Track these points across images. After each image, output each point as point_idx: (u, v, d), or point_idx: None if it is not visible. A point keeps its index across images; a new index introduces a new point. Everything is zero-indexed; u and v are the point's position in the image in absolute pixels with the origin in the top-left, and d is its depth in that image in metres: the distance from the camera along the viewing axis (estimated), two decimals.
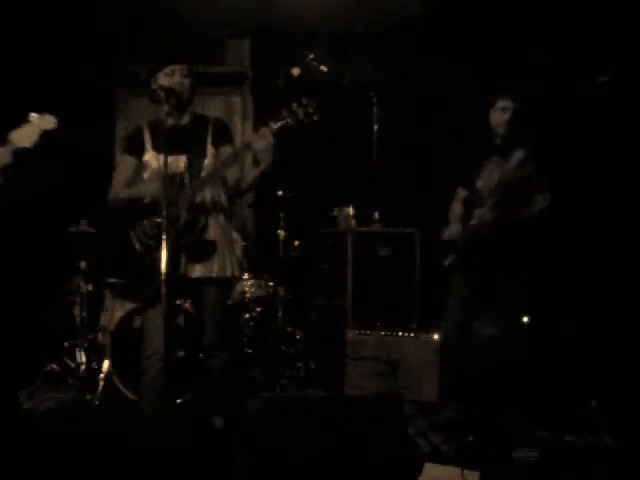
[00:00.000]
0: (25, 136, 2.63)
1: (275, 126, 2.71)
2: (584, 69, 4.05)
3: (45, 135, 2.66)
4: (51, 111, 2.76)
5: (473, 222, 3.42)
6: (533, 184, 3.37)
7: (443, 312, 3.64)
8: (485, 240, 3.37)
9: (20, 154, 2.65)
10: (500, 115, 3.44)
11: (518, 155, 3.34)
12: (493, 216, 3.35)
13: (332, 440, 2.46)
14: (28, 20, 4.56)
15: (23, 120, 2.62)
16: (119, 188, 2.92)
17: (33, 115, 2.64)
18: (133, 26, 5.03)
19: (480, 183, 3.48)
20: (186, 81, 2.84)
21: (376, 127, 4.68)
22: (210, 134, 2.90)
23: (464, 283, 3.47)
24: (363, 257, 4.43)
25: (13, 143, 2.62)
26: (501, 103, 3.44)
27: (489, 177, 3.45)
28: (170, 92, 2.75)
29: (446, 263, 3.51)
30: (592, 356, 3.64)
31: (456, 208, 3.63)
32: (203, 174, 2.80)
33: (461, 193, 3.64)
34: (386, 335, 3.98)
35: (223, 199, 2.95)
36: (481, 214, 3.38)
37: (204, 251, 2.83)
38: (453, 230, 3.56)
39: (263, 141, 2.70)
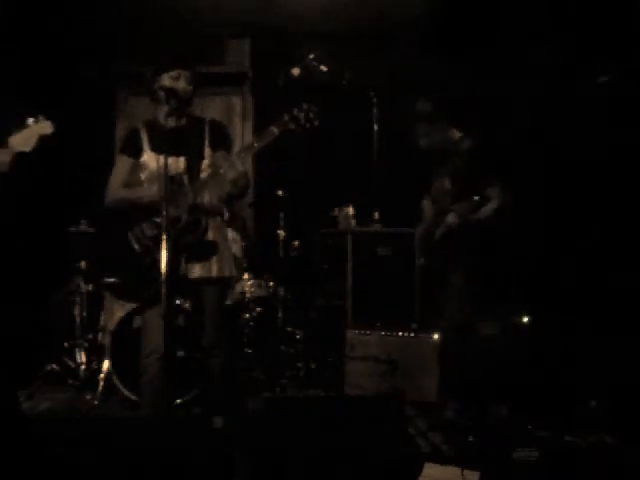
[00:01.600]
0: (24, 141, 2.68)
1: (277, 130, 2.72)
2: (583, 69, 4.05)
3: (42, 139, 2.71)
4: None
5: (441, 229, 3.54)
6: (481, 176, 3.41)
7: (443, 312, 3.64)
8: (450, 243, 3.45)
9: (19, 158, 2.70)
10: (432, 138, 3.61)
11: (466, 144, 3.41)
12: (459, 221, 3.42)
13: (332, 440, 2.46)
14: (28, 20, 4.56)
15: (21, 125, 2.68)
16: (116, 189, 2.92)
17: (31, 120, 2.69)
18: (133, 26, 5.04)
19: (436, 191, 3.66)
20: (189, 87, 2.87)
21: (376, 127, 4.68)
22: (207, 136, 2.91)
23: (460, 282, 3.49)
24: (363, 257, 4.43)
25: (12, 147, 2.68)
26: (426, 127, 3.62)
27: (442, 184, 3.60)
28: (171, 93, 2.76)
29: (419, 262, 3.77)
30: (592, 356, 3.64)
31: (427, 208, 3.81)
32: (202, 176, 2.81)
33: (427, 197, 3.82)
34: (386, 335, 3.98)
35: (222, 200, 2.95)
36: (449, 222, 3.49)
37: (204, 252, 2.84)
38: (420, 231, 3.78)
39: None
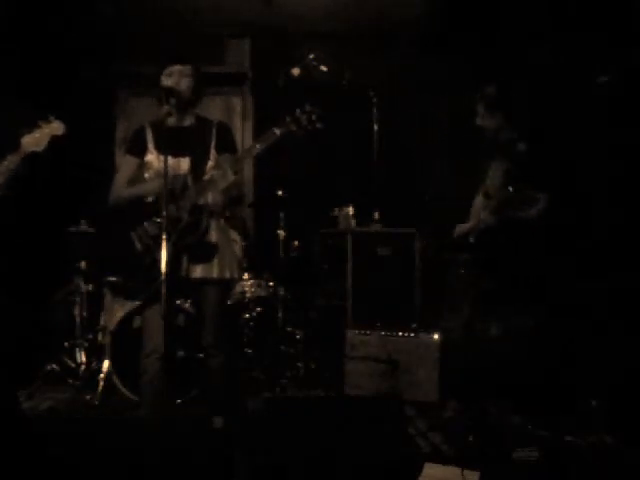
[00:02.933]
0: (35, 141, 2.76)
1: (279, 132, 2.72)
2: (584, 69, 4.05)
3: (54, 140, 2.77)
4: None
5: (480, 225, 3.43)
6: (533, 181, 3.37)
7: (443, 312, 3.64)
8: (489, 241, 3.39)
9: (30, 158, 2.78)
10: (486, 120, 3.47)
11: (521, 147, 3.37)
12: (496, 218, 3.35)
13: (332, 440, 2.46)
14: (28, 20, 4.56)
15: (33, 126, 2.73)
16: (121, 188, 2.92)
17: (42, 121, 2.75)
18: (133, 26, 5.04)
19: (488, 182, 3.50)
20: (184, 81, 2.84)
21: (376, 127, 4.68)
22: (214, 138, 2.90)
23: (468, 283, 3.47)
24: (363, 257, 4.43)
25: (24, 148, 2.75)
26: (483, 109, 3.46)
27: (494, 177, 3.47)
28: (169, 92, 2.76)
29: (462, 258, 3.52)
30: (592, 356, 3.64)
31: (477, 203, 3.61)
32: (206, 177, 2.81)
33: (483, 187, 3.61)
34: (386, 335, 3.99)
35: (223, 201, 2.95)
36: (484, 218, 3.39)
37: (205, 252, 2.84)
38: (462, 228, 3.56)
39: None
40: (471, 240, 3.47)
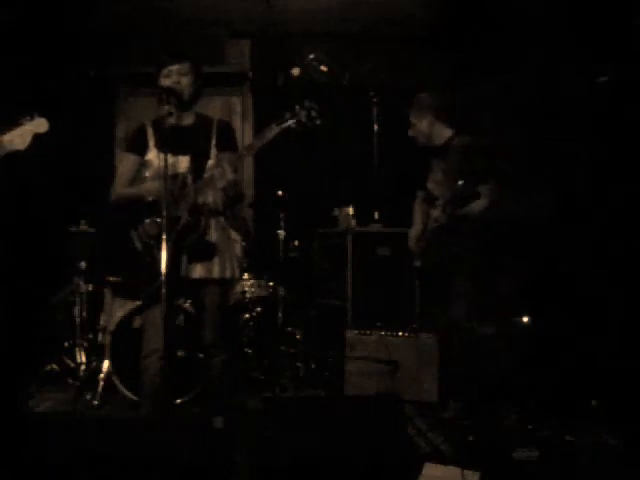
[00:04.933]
0: (17, 139, 2.64)
1: (278, 128, 2.71)
2: (584, 69, 4.05)
3: (37, 138, 2.68)
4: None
5: (429, 225, 3.52)
6: (474, 173, 3.37)
7: (443, 312, 3.64)
8: (445, 241, 3.42)
9: (12, 156, 2.68)
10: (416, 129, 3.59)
11: (455, 144, 3.42)
12: (445, 216, 3.39)
13: (332, 440, 2.46)
14: (28, 20, 4.56)
15: (15, 123, 2.66)
16: (121, 186, 2.92)
17: (25, 118, 2.67)
18: (133, 26, 5.04)
19: (430, 184, 3.59)
20: (184, 79, 2.83)
21: (376, 127, 4.68)
22: (215, 136, 2.90)
23: (458, 282, 3.48)
24: (363, 257, 4.43)
25: (5, 146, 2.64)
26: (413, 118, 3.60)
27: (435, 177, 3.55)
28: (170, 92, 2.75)
29: (416, 264, 3.67)
30: (592, 356, 3.64)
31: (416, 209, 3.74)
32: (205, 176, 2.80)
33: (420, 194, 3.74)
34: (386, 335, 3.99)
35: (223, 201, 2.95)
36: (435, 216, 3.45)
37: (205, 252, 2.83)
38: (412, 233, 3.71)
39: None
40: (420, 246, 3.58)
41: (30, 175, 4.09)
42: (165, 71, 2.83)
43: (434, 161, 3.59)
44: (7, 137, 2.63)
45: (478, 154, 3.36)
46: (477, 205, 3.32)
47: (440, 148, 3.53)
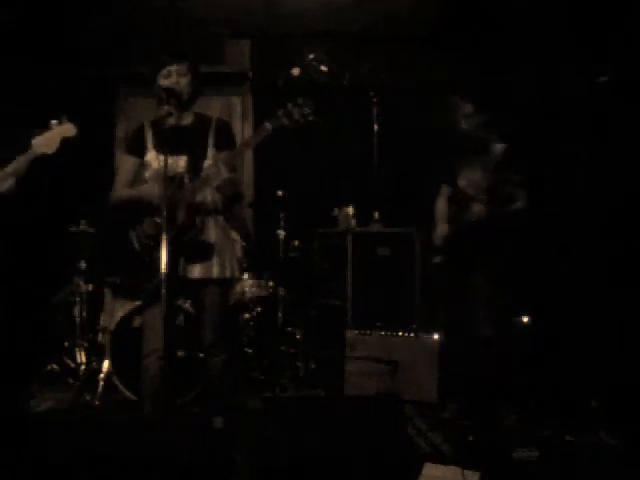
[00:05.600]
0: (46, 143, 2.70)
1: (270, 126, 2.71)
2: (582, 68, 4.06)
3: (65, 142, 2.73)
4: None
5: (471, 218, 3.43)
6: (515, 177, 3.39)
7: (443, 312, 3.64)
8: (475, 238, 3.40)
9: (39, 160, 2.72)
10: (465, 120, 3.50)
11: (499, 147, 3.39)
12: (489, 211, 3.36)
13: (332, 440, 2.46)
14: (28, 20, 4.56)
15: (44, 127, 2.69)
16: (121, 188, 2.92)
17: (54, 122, 2.72)
18: (133, 26, 5.03)
19: (463, 182, 3.52)
20: (183, 80, 2.83)
21: (376, 127, 4.68)
22: (212, 136, 2.89)
23: (461, 282, 3.48)
24: (363, 257, 4.43)
25: (35, 150, 2.69)
26: (465, 109, 3.49)
27: (471, 175, 3.49)
28: (169, 92, 2.75)
29: (436, 260, 3.59)
30: (592, 356, 3.64)
31: (441, 205, 3.67)
32: (202, 175, 2.80)
33: (445, 189, 3.67)
34: (386, 335, 3.99)
35: (223, 200, 2.95)
36: (477, 211, 3.40)
37: (202, 252, 2.83)
38: (438, 232, 3.62)
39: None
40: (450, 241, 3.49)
41: (42, 175, 4.08)
42: (164, 71, 2.83)
43: (470, 158, 3.53)
44: (37, 141, 2.69)
45: (516, 159, 3.37)
46: (516, 207, 3.37)
47: (477, 147, 3.49)
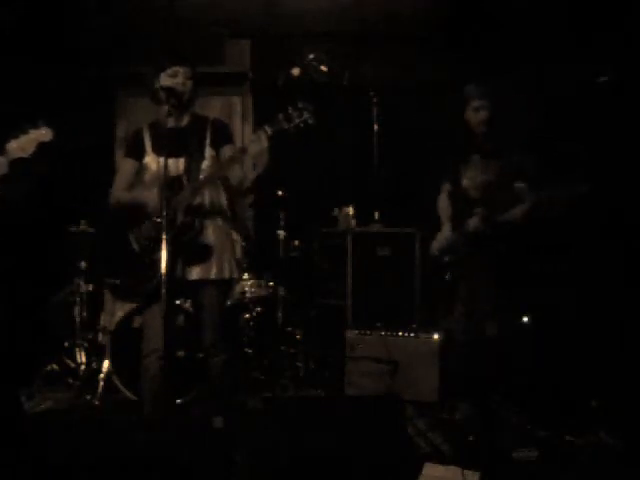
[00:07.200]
0: (22, 147, 2.70)
1: (270, 130, 2.71)
2: (582, 68, 4.06)
3: (41, 146, 2.73)
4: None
5: (469, 229, 3.37)
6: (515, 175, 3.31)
7: (443, 312, 3.64)
8: (481, 242, 3.35)
9: (17, 163, 2.71)
10: (475, 115, 3.40)
11: (513, 158, 3.32)
12: (485, 222, 3.31)
13: (332, 440, 2.46)
14: (28, 20, 4.56)
15: (21, 131, 2.70)
16: (120, 191, 2.93)
17: (30, 126, 2.72)
18: (133, 26, 5.03)
19: (465, 182, 3.45)
20: (188, 83, 2.85)
21: (376, 127, 4.68)
22: (209, 135, 2.90)
23: (464, 284, 3.46)
24: (363, 257, 4.43)
25: (10, 153, 2.69)
26: (475, 103, 3.39)
27: (474, 176, 3.42)
28: (171, 92, 2.75)
29: (448, 277, 3.46)
30: (592, 356, 3.64)
31: (444, 204, 3.58)
32: (201, 176, 2.81)
33: (446, 187, 3.59)
34: (386, 335, 3.99)
35: (223, 201, 2.95)
36: (474, 225, 3.34)
37: (201, 253, 2.83)
38: (445, 240, 3.51)
39: (257, 145, 2.70)
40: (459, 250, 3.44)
41: (30, 175, 4.08)
42: (170, 71, 2.83)
43: (476, 158, 3.43)
44: (12, 145, 2.69)
45: (520, 155, 3.31)
46: (520, 209, 3.23)
47: (483, 147, 3.40)
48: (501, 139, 3.39)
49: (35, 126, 2.71)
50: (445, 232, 3.53)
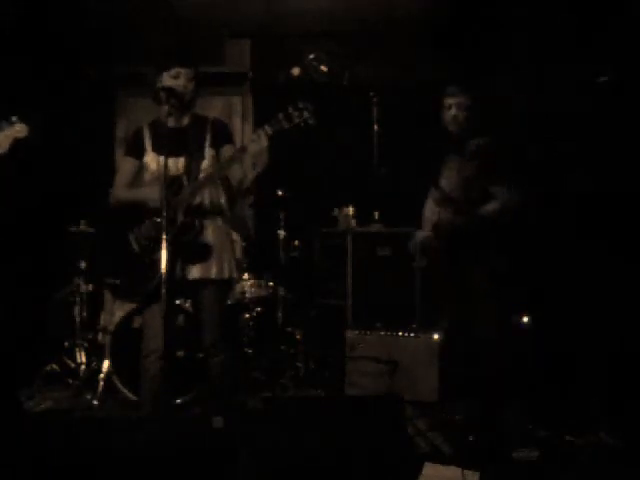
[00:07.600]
0: None
1: (270, 130, 2.71)
2: (582, 68, 4.06)
3: (16, 143, 2.71)
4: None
5: (441, 227, 3.38)
6: (490, 175, 3.29)
7: (443, 312, 3.64)
8: (456, 240, 3.35)
9: None
10: (447, 113, 3.39)
11: (471, 145, 3.32)
12: (458, 218, 3.31)
13: (332, 440, 2.46)
14: (28, 20, 4.55)
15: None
16: (120, 190, 2.93)
17: (4, 123, 2.70)
18: (133, 26, 5.03)
19: (443, 182, 3.44)
20: (190, 85, 2.86)
21: (376, 127, 4.68)
22: (209, 135, 2.90)
23: (456, 283, 3.46)
24: (363, 257, 4.43)
25: None
26: (448, 100, 3.38)
27: (449, 175, 3.42)
28: (172, 93, 2.75)
29: (419, 264, 3.59)
30: (592, 355, 3.64)
31: (427, 211, 3.58)
32: (200, 176, 2.81)
33: (433, 193, 3.57)
34: (386, 335, 3.98)
35: (223, 201, 2.95)
36: (449, 220, 3.34)
37: (201, 253, 2.83)
38: (420, 235, 3.57)
39: (257, 145, 2.70)
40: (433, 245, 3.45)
41: (30, 175, 4.09)
42: (173, 72, 2.83)
43: (451, 157, 3.43)
44: None
45: (494, 155, 3.31)
46: (490, 207, 3.24)
47: (458, 145, 3.39)
48: (478, 138, 3.38)
49: (9, 122, 2.69)
50: (419, 234, 3.58)
